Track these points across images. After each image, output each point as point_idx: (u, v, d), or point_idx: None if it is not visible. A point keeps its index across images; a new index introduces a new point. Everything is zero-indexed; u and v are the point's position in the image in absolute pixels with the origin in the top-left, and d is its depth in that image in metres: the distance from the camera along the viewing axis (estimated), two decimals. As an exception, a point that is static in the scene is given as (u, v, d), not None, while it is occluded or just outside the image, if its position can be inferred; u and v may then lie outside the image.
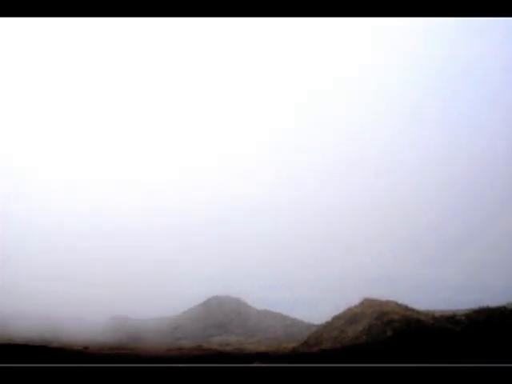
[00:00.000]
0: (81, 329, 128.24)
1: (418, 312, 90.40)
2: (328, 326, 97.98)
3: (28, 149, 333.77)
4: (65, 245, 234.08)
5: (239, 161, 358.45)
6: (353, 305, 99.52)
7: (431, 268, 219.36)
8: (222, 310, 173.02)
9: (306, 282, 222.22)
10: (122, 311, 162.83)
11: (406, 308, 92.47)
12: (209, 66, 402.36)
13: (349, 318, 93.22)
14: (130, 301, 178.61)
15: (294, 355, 68.17)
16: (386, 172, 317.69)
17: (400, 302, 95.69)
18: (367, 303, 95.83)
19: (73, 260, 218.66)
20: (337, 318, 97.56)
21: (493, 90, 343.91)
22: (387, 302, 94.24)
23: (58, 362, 50.72)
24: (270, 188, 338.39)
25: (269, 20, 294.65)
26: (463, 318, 77.01)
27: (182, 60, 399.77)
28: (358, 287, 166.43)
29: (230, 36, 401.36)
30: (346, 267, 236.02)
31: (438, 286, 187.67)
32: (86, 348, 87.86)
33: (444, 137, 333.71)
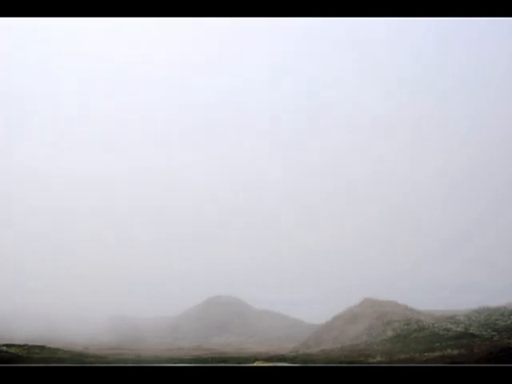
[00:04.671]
0: (81, 329, 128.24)
1: (418, 312, 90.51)
2: (328, 325, 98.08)
3: (26, 148, 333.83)
4: (65, 245, 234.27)
5: (239, 161, 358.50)
6: (353, 305, 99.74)
7: (431, 268, 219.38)
8: (222, 310, 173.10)
9: (306, 282, 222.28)
10: (121, 311, 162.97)
11: (406, 308, 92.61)
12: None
13: (349, 317, 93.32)
14: (129, 300, 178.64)
15: (294, 355, 68.13)
16: (386, 171, 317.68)
17: (400, 302, 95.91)
18: (367, 303, 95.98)
19: (73, 260, 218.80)
20: (337, 318, 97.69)
21: (493, 89, 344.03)
22: (387, 302, 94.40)
23: (58, 362, 50.74)
24: (270, 188, 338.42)
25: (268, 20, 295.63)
26: (463, 317, 77.05)
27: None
28: (358, 287, 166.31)
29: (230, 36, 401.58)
30: (346, 267, 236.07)
31: (437, 286, 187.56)
32: (86, 348, 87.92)
33: (443, 136, 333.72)
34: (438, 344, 57.34)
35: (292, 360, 55.11)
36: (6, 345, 61.55)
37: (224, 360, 57.70)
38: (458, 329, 66.45)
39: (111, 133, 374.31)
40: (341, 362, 51.44)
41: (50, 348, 67.18)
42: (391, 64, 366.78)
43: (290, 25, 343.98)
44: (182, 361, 56.79)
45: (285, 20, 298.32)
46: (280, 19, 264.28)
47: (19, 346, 63.20)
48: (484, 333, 60.98)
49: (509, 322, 65.81)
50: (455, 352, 49.50)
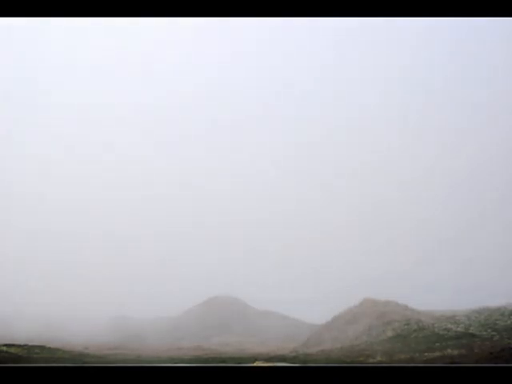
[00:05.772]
0: (81, 329, 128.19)
1: (418, 312, 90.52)
2: (328, 326, 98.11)
3: (26, 148, 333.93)
4: (65, 245, 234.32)
5: (238, 161, 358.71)
6: (353, 305, 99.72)
7: (431, 268, 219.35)
8: (222, 310, 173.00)
9: (306, 282, 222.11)
10: (121, 311, 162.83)
11: (406, 308, 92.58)
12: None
13: (349, 317, 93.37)
14: (129, 300, 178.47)
15: (294, 355, 68.12)
16: (385, 172, 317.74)
17: (400, 302, 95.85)
18: (367, 303, 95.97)
19: (73, 260, 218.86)
20: (337, 318, 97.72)
21: (493, 89, 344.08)
22: (387, 302, 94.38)
23: (58, 362, 50.75)
24: (270, 188, 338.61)
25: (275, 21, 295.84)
26: (463, 317, 77.07)
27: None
28: (358, 287, 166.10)
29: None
30: (346, 267, 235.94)
31: (437, 286, 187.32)
32: (86, 348, 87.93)
33: (443, 136, 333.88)
34: (438, 344, 57.32)
35: (292, 360, 55.06)
36: (6, 345, 61.54)
37: (224, 360, 57.66)
38: (458, 329, 66.44)
39: (111, 132, 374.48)
40: (341, 362, 51.44)
41: (49, 348, 67.16)
42: (391, 64, 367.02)
43: (292, 24, 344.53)
44: (182, 361, 56.73)
45: (285, 20, 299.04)
46: (281, 19, 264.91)
47: (19, 345, 63.20)
48: (484, 333, 60.99)
49: (509, 321, 65.84)
50: (455, 352, 49.50)
